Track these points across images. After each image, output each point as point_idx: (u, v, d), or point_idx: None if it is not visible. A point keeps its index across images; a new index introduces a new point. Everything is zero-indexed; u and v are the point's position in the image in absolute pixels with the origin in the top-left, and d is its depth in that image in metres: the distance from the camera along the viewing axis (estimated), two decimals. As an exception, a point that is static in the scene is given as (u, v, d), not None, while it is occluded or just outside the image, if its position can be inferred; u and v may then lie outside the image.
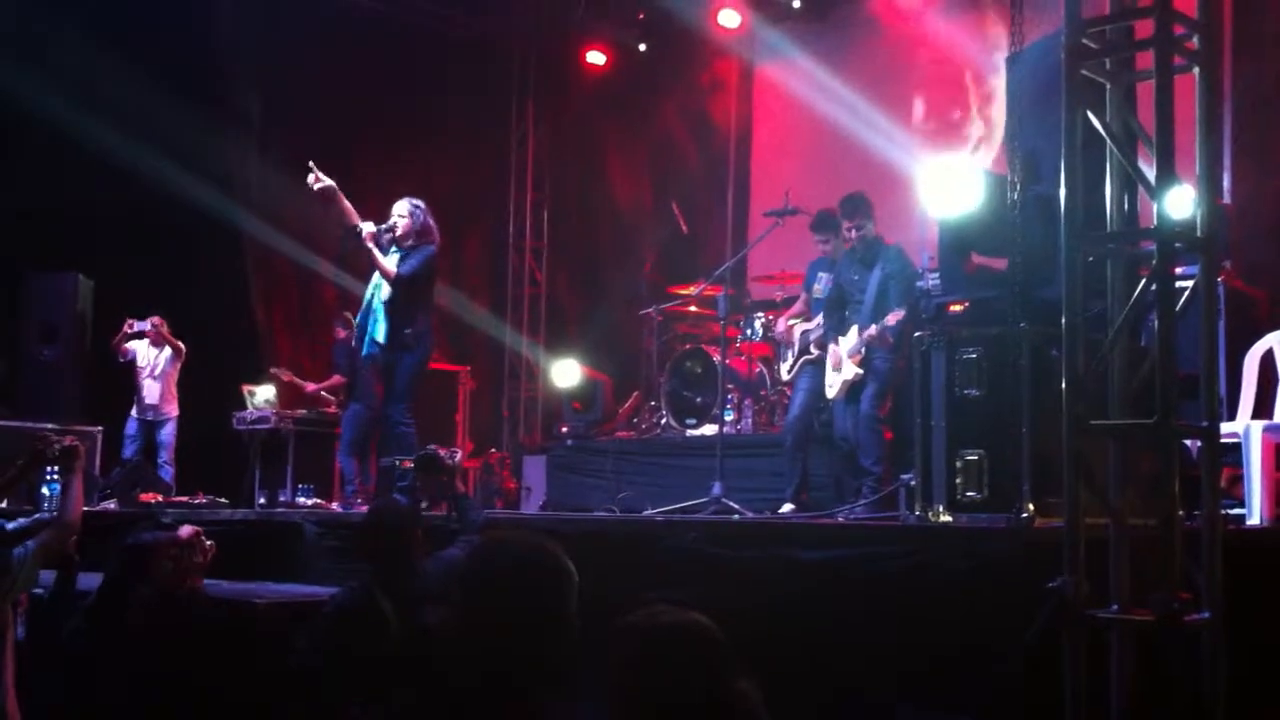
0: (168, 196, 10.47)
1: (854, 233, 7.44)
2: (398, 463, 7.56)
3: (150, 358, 10.50)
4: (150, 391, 10.47)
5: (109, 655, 4.63)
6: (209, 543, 5.15)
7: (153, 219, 10.46)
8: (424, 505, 6.09)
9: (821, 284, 7.84)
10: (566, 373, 11.35)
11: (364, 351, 7.97)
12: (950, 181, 6.44)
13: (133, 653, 4.65)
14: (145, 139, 10.36)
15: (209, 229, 10.94)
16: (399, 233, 7.89)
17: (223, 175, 11.40)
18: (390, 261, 7.83)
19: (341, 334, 10.49)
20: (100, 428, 10.13)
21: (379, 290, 7.82)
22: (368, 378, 8.51)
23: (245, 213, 11.62)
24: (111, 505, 9.30)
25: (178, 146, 10.53)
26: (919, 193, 8.18)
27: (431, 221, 7.95)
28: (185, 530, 5.13)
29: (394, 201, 8.08)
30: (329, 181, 7.70)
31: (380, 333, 7.77)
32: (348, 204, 7.82)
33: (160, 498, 9.66)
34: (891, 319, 7.06)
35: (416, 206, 7.95)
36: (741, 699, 2.51)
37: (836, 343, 7.42)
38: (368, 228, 7.84)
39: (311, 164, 7.69)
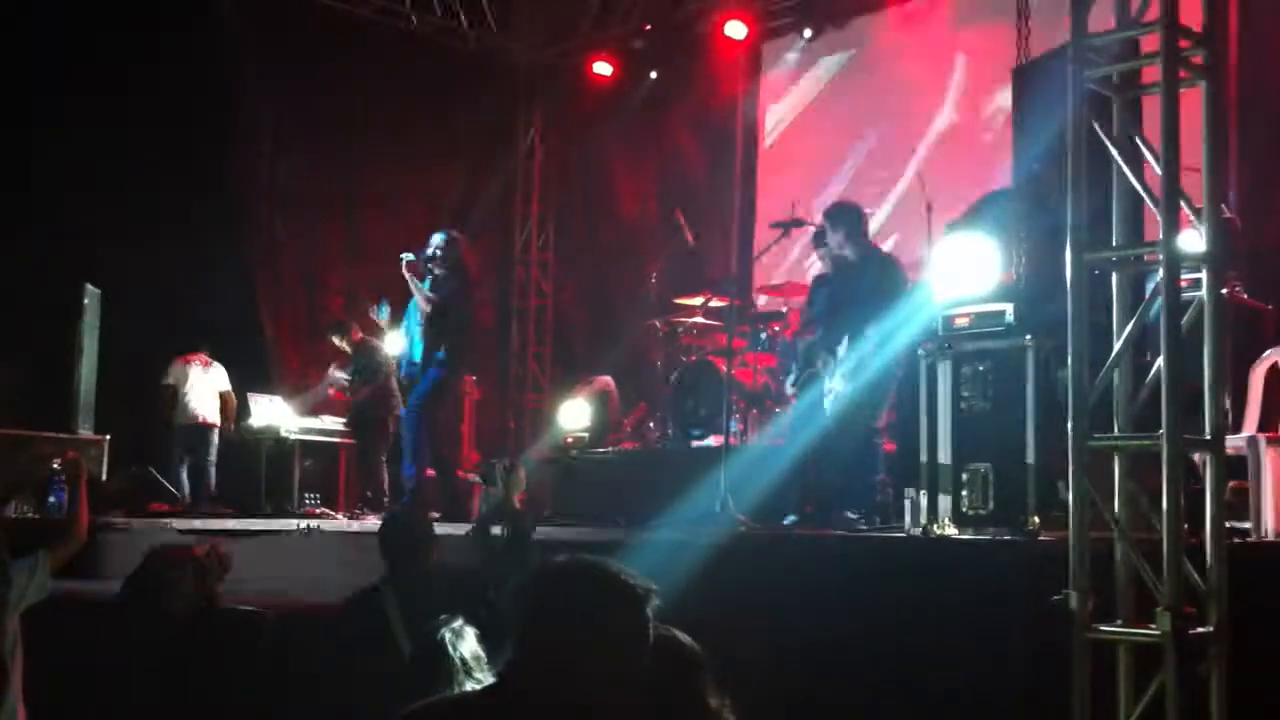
0: (177, 206, 10.52)
1: (846, 241, 7.43)
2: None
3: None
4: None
5: (128, 663, 4.67)
6: (230, 558, 5.22)
7: (161, 228, 10.50)
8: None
9: (821, 296, 7.85)
10: (575, 415, 11.19)
11: (403, 373, 8.63)
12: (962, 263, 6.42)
13: (154, 661, 4.69)
14: (156, 149, 10.43)
15: (218, 240, 10.98)
16: (434, 262, 8.38)
17: (231, 186, 11.45)
18: (425, 288, 8.37)
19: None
20: (108, 436, 10.15)
21: (415, 313, 8.26)
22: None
23: (253, 224, 11.67)
24: (120, 515, 9.32)
25: (188, 156, 10.58)
26: (926, 204, 8.23)
27: (465, 252, 8.38)
28: (206, 545, 5.20)
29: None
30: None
31: (416, 352, 8.38)
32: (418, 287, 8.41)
33: (168, 507, 9.70)
34: (891, 319, 7.07)
35: (453, 238, 8.45)
36: (714, 715, 2.54)
37: (833, 354, 7.41)
38: (407, 257, 8.40)
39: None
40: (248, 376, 10.99)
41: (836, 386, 7.27)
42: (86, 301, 10.64)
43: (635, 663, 2.52)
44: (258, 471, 10.23)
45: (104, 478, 9.80)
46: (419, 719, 2.55)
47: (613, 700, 2.51)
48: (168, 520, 8.82)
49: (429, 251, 8.40)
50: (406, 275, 8.37)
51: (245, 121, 11.74)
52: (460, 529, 6.51)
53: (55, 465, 5.39)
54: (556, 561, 2.65)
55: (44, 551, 5.06)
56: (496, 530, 5.60)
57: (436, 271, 8.39)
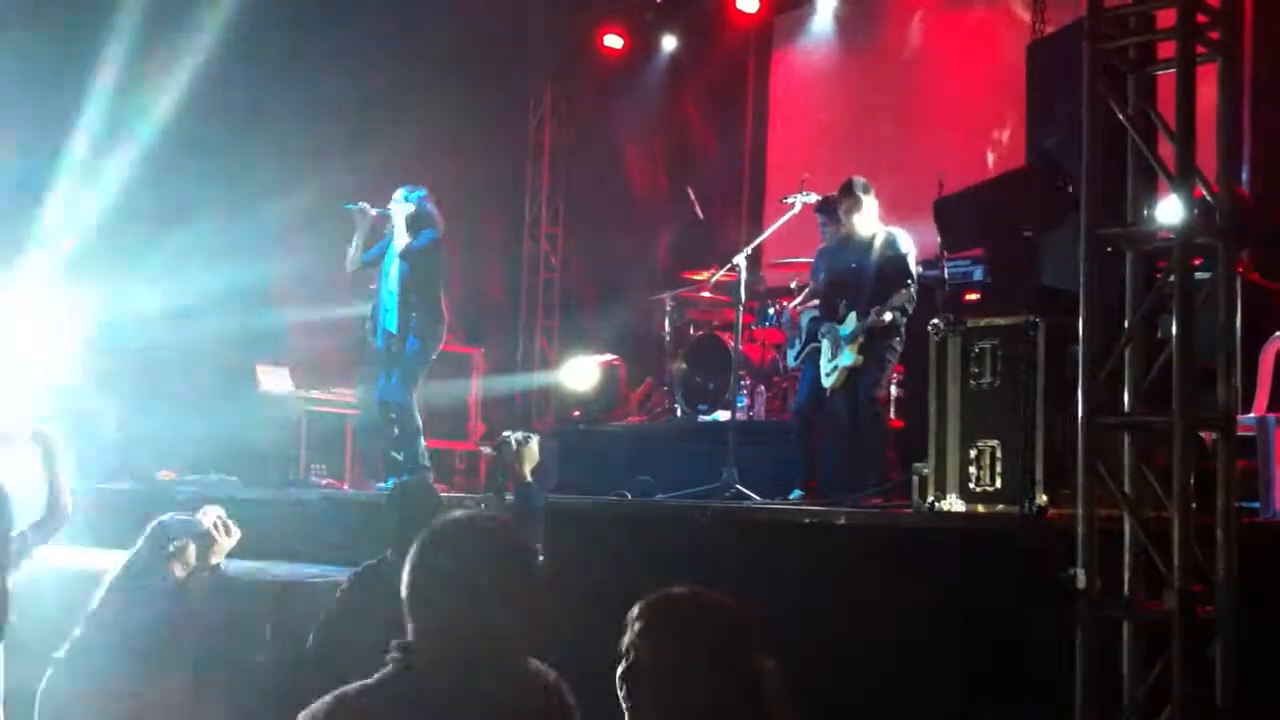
0: (184, 172, 10.50)
1: (851, 216, 7.41)
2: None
3: None
4: None
5: (134, 633, 4.68)
6: (234, 528, 5.23)
7: (168, 195, 10.48)
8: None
9: (823, 268, 7.85)
10: (578, 373, 11.17)
11: (378, 343, 8.04)
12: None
13: (158, 630, 4.70)
14: (160, 113, 10.41)
15: (227, 208, 10.94)
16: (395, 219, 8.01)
17: (241, 153, 11.41)
18: (400, 241, 7.94)
19: None
20: (112, 405, 10.15)
21: (387, 280, 7.94)
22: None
23: (263, 192, 11.63)
24: (126, 483, 9.34)
25: (194, 122, 10.56)
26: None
27: (432, 207, 8.00)
28: (211, 514, 5.21)
29: (409, 184, 8.14)
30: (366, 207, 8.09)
31: (391, 321, 7.86)
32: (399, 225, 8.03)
33: (174, 475, 9.72)
34: (887, 314, 7.07)
35: (412, 191, 8.01)
36: (766, 679, 2.54)
37: (833, 329, 7.39)
38: (364, 206, 8.08)
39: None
40: (256, 346, 10.97)
41: (839, 359, 7.27)
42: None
43: (520, 610, 2.54)
44: (264, 441, 10.23)
45: (110, 445, 9.80)
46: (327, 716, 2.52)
47: (506, 649, 2.52)
48: (174, 488, 8.83)
49: (388, 207, 8.01)
50: (369, 211, 8.03)
51: (253, 88, 11.68)
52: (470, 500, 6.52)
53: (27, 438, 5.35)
54: (433, 525, 2.66)
55: (31, 528, 5.13)
56: (508, 500, 5.59)
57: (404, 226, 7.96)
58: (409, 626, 2.55)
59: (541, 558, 2.66)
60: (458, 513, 2.73)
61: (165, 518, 5.21)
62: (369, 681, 2.54)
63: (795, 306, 8.66)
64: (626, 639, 2.57)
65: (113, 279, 10.67)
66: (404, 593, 2.57)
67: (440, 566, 2.55)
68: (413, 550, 2.62)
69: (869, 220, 7.41)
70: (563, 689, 2.72)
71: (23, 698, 4.81)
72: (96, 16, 10.21)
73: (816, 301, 8.02)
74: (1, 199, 9.94)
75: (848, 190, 7.41)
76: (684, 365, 9.97)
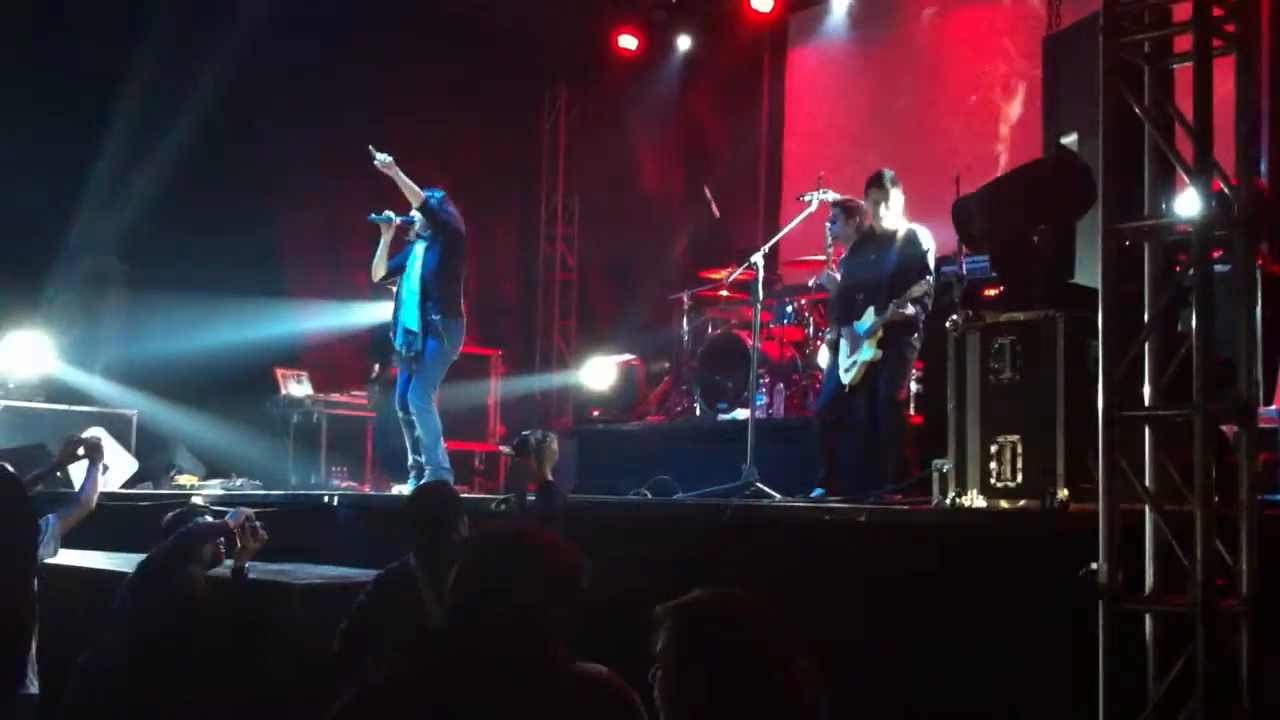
0: (201, 180, 10.55)
1: (879, 208, 7.41)
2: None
3: None
4: None
5: (158, 633, 4.72)
6: (261, 530, 5.28)
7: (187, 203, 10.53)
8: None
9: (841, 268, 7.84)
10: (598, 373, 11.22)
11: (397, 342, 8.01)
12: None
13: (183, 632, 4.74)
14: (179, 121, 10.46)
15: (243, 213, 10.99)
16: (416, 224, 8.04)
17: (256, 159, 11.47)
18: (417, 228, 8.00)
19: None
20: (135, 411, 10.21)
21: (409, 280, 7.92)
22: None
23: (278, 198, 11.69)
24: (149, 488, 9.40)
25: (210, 129, 10.60)
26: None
27: (450, 207, 7.99)
28: (237, 517, 5.26)
29: (424, 185, 8.15)
30: (388, 158, 7.99)
31: (411, 319, 7.84)
32: (405, 179, 7.99)
33: (196, 480, 9.78)
34: (906, 307, 7.07)
35: (432, 194, 8.02)
36: (796, 675, 2.55)
37: (851, 325, 7.39)
38: (389, 215, 8.13)
39: (370, 147, 8.04)
40: (274, 351, 11.02)
41: (858, 355, 7.27)
42: (113, 276, 10.70)
43: (556, 620, 2.60)
44: (284, 445, 10.29)
45: (132, 451, 9.86)
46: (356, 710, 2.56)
47: (526, 642, 2.55)
48: (196, 492, 8.87)
49: (414, 214, 8.04)
50: (397, 221, 8.07)
51: (267, 95, 11.74)
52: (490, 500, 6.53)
53: (79, 453, 5.52)
54: (478, 531, 2.70)
55: (55, 516, 5.21)
56: (528, 500, 5.60)
57: (424, 231, 8.01)
58: (446, 624, 2.59)
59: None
60: (507, 522, 2.80)
61: (192, 522, 5.27)
62: (395, 673, 2.58)
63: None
64: (658, 642, 2.59)
65: (135, 287, 10.77)
66: (447, 591, 2.63)
67: (478, 571, 2.63)
68: (464, 551, 2.71)
69: (894, 214, 7.41)
70: (618, 689, 2.70)
71: (51, 706, 4.86)
72: (120, 31, 10.30)
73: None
74: (29, 214, 10.02)
75: (877, 182, 7.42)
76: (702, 364, 9.98)
